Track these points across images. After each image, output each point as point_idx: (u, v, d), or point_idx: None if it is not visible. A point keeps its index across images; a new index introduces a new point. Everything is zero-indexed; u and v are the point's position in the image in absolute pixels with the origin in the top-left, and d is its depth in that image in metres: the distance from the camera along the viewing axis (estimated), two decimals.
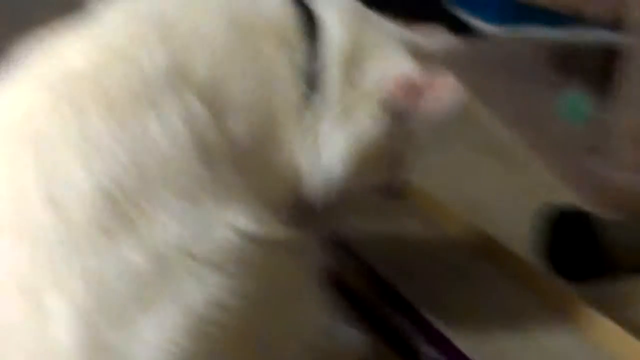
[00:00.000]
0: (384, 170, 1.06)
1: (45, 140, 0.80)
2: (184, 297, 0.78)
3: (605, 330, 1.18)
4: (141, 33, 0.89)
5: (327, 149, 0.96)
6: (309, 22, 0.98)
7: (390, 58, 1.00)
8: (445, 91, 0.97)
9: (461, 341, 1.14)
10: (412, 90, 0.98)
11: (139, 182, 0.79)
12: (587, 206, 1.43)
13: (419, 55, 1.03)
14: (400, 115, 0.99)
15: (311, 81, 0.96)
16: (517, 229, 1.39)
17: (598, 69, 1.69)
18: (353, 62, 0.98)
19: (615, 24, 1.65)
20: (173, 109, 0.83)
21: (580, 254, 1.33)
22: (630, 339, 1.16)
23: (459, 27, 1.92)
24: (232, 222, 0.82)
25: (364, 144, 0.98)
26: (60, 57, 0.86)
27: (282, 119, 0.93)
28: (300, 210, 0.99)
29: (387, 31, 1.03)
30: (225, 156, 0.85)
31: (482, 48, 1.92)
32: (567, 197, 1.53)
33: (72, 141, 0.79)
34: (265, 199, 0.88)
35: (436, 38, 1.09)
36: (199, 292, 0.79)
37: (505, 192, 1.55)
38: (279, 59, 0.94)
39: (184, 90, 0.84)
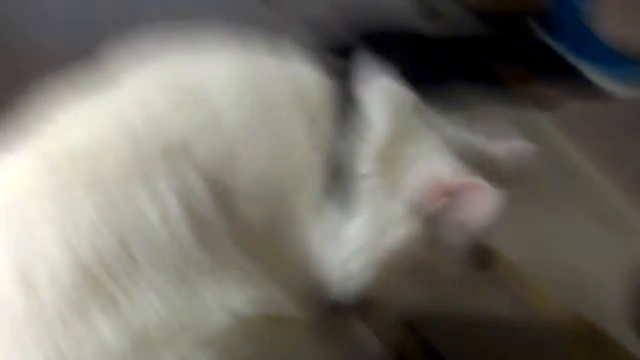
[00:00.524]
0: (422, 287, 0.94)
1: (22, 213, 0.76)
2: None
3: None
4: (148, 102, 0.83)
5: (347, 246, 0.87)
6: (346, 102, 0.89)
7: (431, 157, 0.89)
8: (482, 200, 0.85)
9: None
10: (445, 194, 0.87)
11: (123, 259, 0.75)
12: None
13: (478, 163, 0.91)
14: (432, 221, 0.88)
15: (338, 168, 0.87)
16: (619, 309, 1.26)
17: None
18: (388, 155, 0.88)
19: None
20: (167, 184, 0.79)
21: None
22: None
23: (585, 87, 1.85)
24: (227, 302, 0.78)
25: (389, 248, 0.87)
26: (61, 126, 0.83)
27: (300, 205, 0.86)
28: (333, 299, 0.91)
29: (439, 131, 0.93)
30: (227, 236, 0.80)
31: (607, 108, 1.81)
32: None
33: (51, 215, 0.76)
34: (281, 281, 0.83)
35: (509, 146, 0.96)
36: None
37: (609, 265, 1.39)
38: (303, 141, 0.86)
39: (183, 166, 0.80)
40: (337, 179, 0.86)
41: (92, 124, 0.82)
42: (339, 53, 0.95)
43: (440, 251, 0.90)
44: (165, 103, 0.83)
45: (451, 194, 0.86)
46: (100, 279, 0.74)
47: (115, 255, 0.75)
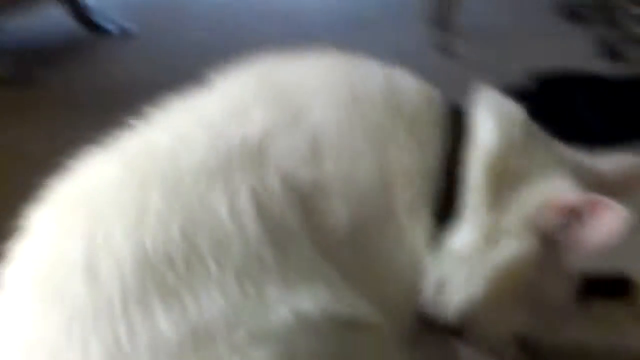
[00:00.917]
0: (530, 313, 0.88)
1: (97, 207, 0.79)
2: None
3: None
4: (234, 97, 0.84)
5: (450, 257, 0.82)
6: (456, 121, 0.86)
7: (550, 180, 0.84)
8: (609, 219, 0.80)
9: None
10: (569, 214, 0.82)
11: (187, 252, 0.75)
12: None
13: (592, 182, 0.87)
14: (548, 240, 0.83)
15: (440, 176, 0.83)
16: None
17: None
18: (498, 167, 0.84)
19: None
20: (241, 178, 0.78)
21: None
22: None
23: None
24: (293, 301, 0.75)
25: (497, 264, 0.82)
26: (148, 128, 0.85)
27: (391, 210, 0.82)
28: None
29: (552, 150, 0.88)
30: (303, 236, 0.78)
31: None
32: None
33: (122, 209, 0.78)
34: (365, 287, 0.80)
35: (622, 166, 0.92)
36: None
37: None
38: (398, 142, 0.83)
39: (259, 160, 0.79)
40: (438, 187, 0.83)
41: (176, 124, 0.83)
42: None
43: (553, 275, 0.85)
44: (251, 99, 0.83)
45: (572, 213, 0.82)
46: (162, 271, 0.74)
47: (180, 248, 0.75)
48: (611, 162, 0.91)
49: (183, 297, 0.74)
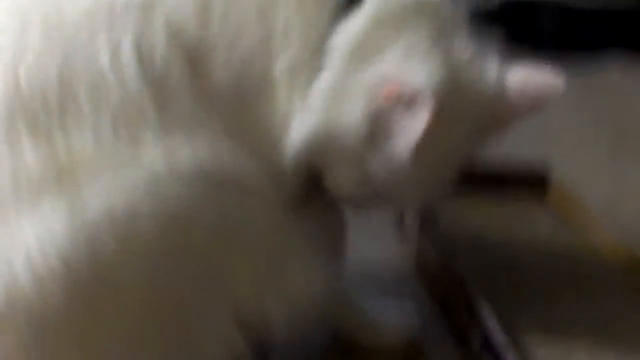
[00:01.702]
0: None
1: None
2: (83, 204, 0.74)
3: None
4: None
5: (302, 122, 0.84)
6: None
7: (406, 56, 0.83)
8: (414, 119, 0.79)
9: None
10: (395, 97, 0.81)
11: (64, 95, 0.76)
12: None
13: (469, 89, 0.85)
14: (376, 120, 0.83)
15: (320, 42, 0.84)
16: None
17: None
18: (367, 38, 0.84)
19: None
20: (128, 34, 0.79)
21: None
22: None
23: None
24: (171, 155, 0.77)
25: (335, 121, 0.83)
26: None
27: (274, 72, 0.83)
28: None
29: (436, 42, 0.85)
30: (187, 91, 0.79)
31: None
32: None
33: (4, 52, 0.78)
34: (247, 146, 0.81)
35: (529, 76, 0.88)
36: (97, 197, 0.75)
37: None
38: (286, 6, 0.84)
39: (147, 15, 0.80)
40: (316, 53, 0.84)
41: None
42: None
43: (379, 156, 0.84)
44: None
45: (400, 100, 0.80)
46: (35, 110, 0.76)
47: (56, 90, 0.76)
48: (521, 75, 0.88)
49: (53, 137, 0.75)
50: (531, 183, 1.26)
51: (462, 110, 0.84)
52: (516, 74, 0.87)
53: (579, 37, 1.79)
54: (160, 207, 0.75)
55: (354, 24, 0.84)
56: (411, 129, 0.78)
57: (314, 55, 0.83)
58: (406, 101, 0.80)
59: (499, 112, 0.87)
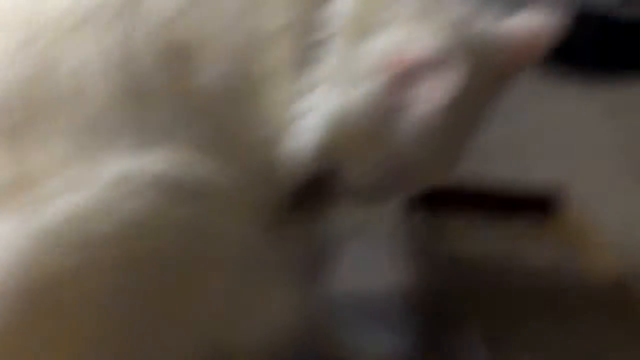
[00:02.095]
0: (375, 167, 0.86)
1: None
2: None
3: None
4: None
5: (309, 116, 0.80)
6: None
7: (407, 25, 0.81)
8: (438, 81, 0.77)
9: None
10: (404, 69, 0.79)
11: (28, 107, 0.73)
12: None
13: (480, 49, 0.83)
14: (393, 97, 0.81)
15: (313, 41, 0.81)
16: None
17: None
18: (361, 26, 0.82)
19: None
20: (111, 33, 0.75)
21: None
22: None
23: None
24: (139, 159, 0.74)
25: (345, 116, 0.81)
26: None
27: (265, 67, 0.80)
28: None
29: (435, 8, 0.84)
30: (166, 94, 0.76)
31: None
32: None
33: None
34: (231, 152, 0.78)
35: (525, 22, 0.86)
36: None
37: None
38: (278, 10, 0.81)
39: (136, 15, 0.76)
40: (312, 51, 0.81)
41: None
42: None
43: (397, 131, 0.81)
44: None
45: (411, 70, 0.79)
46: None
47: (20, 101, 0.73)
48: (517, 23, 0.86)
49: (15, 146, 0.73)
50: (534, 206, 1.24)
51: (474, 66, 0.81)
52: (511, 23, 0.86)
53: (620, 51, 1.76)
54: (118, 221, 0.72)
55: (346, 2, 0.81)
56: (440, 91, 0.77)
57: (309, 45, 0.81)
58: (430, 65, 0.78)
59: (503, 63, 0.85)
